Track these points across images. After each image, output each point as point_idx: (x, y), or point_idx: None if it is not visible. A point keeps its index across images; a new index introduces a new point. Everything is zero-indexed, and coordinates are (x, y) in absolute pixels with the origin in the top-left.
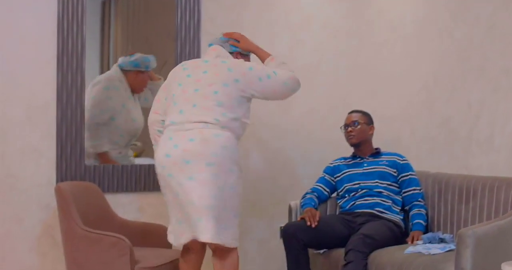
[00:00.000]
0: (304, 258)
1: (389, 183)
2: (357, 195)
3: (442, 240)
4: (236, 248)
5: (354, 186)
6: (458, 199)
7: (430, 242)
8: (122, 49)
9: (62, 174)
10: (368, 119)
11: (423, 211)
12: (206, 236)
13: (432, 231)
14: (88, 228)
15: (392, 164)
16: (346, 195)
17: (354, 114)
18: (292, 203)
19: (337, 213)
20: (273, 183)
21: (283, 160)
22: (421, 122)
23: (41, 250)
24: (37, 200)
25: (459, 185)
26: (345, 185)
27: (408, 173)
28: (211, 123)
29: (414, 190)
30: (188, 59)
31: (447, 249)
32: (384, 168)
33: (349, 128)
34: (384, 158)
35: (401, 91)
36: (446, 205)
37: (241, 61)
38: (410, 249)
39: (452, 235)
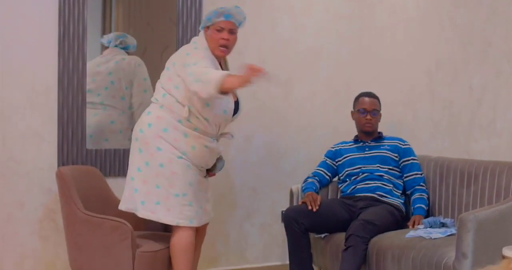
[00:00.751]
0: (305, 242)
1: (390, 167)
2: (358, 179)
3: (443, 224)
4: (183, 228)
5: (355, 170)
6: (460, 183)
7: (431, 226)
8: (123, 31)
9: (64, 158)
10: (380, 105)
11: (424, 196)
12: (121, 206)
13: (433, 215)
14: (90, 212)
15: (394, 149)
16: (347, 179)
17: (374, 101)
18: (294, 187)
19: (338, 197)
20: (275, 167)
21: (285, 144)
22: (423, 107)
23: (42, 234)
24: (38, 184)
25: (461, 169)
26: (346, 169)
27: (409, 158)
28: (152, 102)
29: (416, 174)
30: (187, 33)
31: (448, 234)
32: (386, 153)
33: (368, 116)
34: (386, 142)
35: (403, 76)
36: (447, 189)
37: (193, 45)
38: (411, 233)
39: (453, 219)
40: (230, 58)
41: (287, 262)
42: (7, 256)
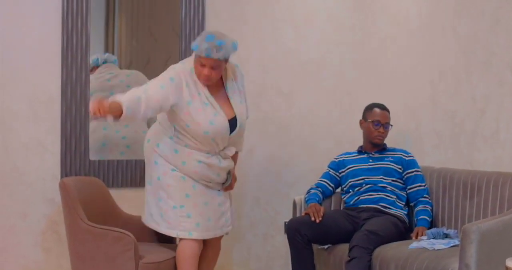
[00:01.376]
0: (308, 253)
1: (393, 179)
2: (361, 190)
3: (446, 236)
4: (184, 240)
5: (359, 181)
6: (463, 195)
7: (434, 238)
8: (126, 44)
9: (67, 169)
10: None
11: (428, 207)
12: (142, 218)
13: (436, 226)
14: (93, 223)
15: (398, 160)
16: (351, 190)
17: (387, 114)
18: (297, 198)
19: (341, 208)
20: (277, 178)
21: (288, 155)
22: (426, 117)
23: (45, 245)
24: (41, 195)
25: (464, 180)
26: (350, 180)
27: (413, 170)
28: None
29: (420, 186)
30: (190, 42)
31: (452, 245)
32: (389, 164)
33: (381, 129)
34: (389, 154)
35: (406, 86)
36: (450, 200)
37: (174, 66)
38: (414, 244)
39: (456, 231)
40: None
41: None
42: (9, 267)
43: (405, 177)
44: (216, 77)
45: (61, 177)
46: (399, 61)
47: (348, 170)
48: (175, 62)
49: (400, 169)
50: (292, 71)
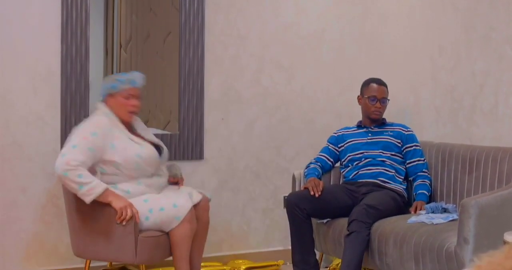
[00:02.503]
0: (307, 227)
1: (393, 153)
2: (360, 164)
3: (445, 210)
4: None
5: (358, 155)
6: (462, 169)
7: (433, 212)
8: (126, 18)
9: None
10: (388, 93)
11: (427, 182)
12: None
13: (435, 201)
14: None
15: (397, 135)
16: (350, 165)
17: (384, 89)
18: (296, 173)
19: (340, 183)
20: (277, 153)
21: (287, 130)
22: (425, 92)
23: (45, 219)
24: (41, 169)
25: (463, 155)
26: (349, 154)
27: (412, 144)
28: None
29: (418, 161)
30: (192, 30)
31: (450, 219)
32: (389, 139)
33: (378, 104)
34: (388, 129)
35: (405, 61)
36: (449, 175)
37: (91, 120)
38: (413, 218)
39: (455, 205)
40: (232, 43)
41: (289, 247)
42: (10, 240)
43: (404, 151)
44: (140, 108)
45: None
46: (399, 36)
47: (347, 144)
48: (175, 37)
49: (399, 143)
50: (292, 46)
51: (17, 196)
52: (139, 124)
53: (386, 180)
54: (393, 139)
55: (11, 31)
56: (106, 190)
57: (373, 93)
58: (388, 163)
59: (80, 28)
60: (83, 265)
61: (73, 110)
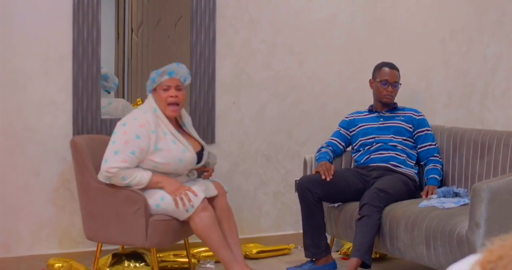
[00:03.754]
0: (318, 211)
1: (404, 138)
2: (371, 148)
3: (456, 194)
4: (192, 216)
5: (369, 140)
6: (473, 154)
7: (444, 196)
8: (137, 2)
9: (79, 127)
10: (400, 77)
11: (438, 166)
12: None
13: (446, 185)
14: (103, 181)
15: (408, 120)
16: (361, 149)
17: (396, 73)
18: (307, 157)
19: (351, 167)
20: (288, 137)
21: (299, 114)
22: (437, 77)
23: (58, 203)
24: (54, 153)
25: (474, 139)
26: (360, 138)
27: (424, 129)
28: None
29: (430, 145)
30: (204, 14)
31: (461, 203)
32: (400, 123)
33: (390, 88)
34: (400, 113)
35: (417, 45)
36: (461, 159)
37: (134, 114)
38: (424, 203)
39: (466, 189)
40: (243, 27)
41: (301, 231)
42: (23, 224)
43: (415, 136)
44: (182, 103)
45: (73, 135)
46: (410, 21)
47: (358, 129)
48: (186, 22)
49: (410, 128)
50: (304, 30)
51: (29, 180)
52: (186, 119)
53: (398, 164)
54: (405, 124)
55: (23, 15)
56: (151, 178)
57: (385, 77)
58: (399, 147)
59: (92, 12)
60: (95, 249)
61: (85, 94)
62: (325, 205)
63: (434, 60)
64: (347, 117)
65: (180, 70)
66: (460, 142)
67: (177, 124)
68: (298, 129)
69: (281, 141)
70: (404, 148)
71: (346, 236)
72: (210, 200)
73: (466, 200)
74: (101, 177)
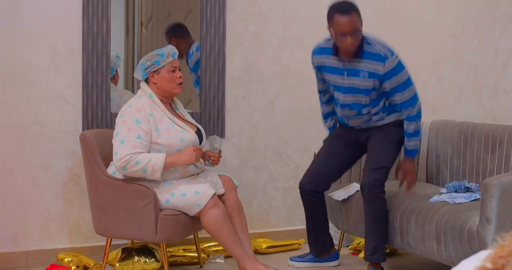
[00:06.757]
0: (321, 211)
1: (373, 98)
2: (345, 113)
3: (467, 189)
4: (202, 212)
5: (340, 102)
6: (484, 148)
7: (456, 191)
8: None
9: (88, 122)
10: (361, 19)
11: (410, 127)
12: None
13: (457, 180)
14: (113, 176)
15: (372, 75)
16: (336, 105)
17: (353, 18)
18: (317, 151)
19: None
20: (298, 131)
21: (308, 108)
22: (448, 71)
23: (67, 197)
24: (63, 147)
25: (486, 134)
26: (332, 93)
27: (389, 81)
28: None
29: (396, 99)
30: (214, 8)
31: (472, 198)
32: (363, 82)
33: (349, 39)
34: (364, 65)
35: (428, 39)
36: (472, 154)
37: (131, 102)
38: (435, 198)
39: (477, 184)
40: (253, 21)
41: None
42: (32, 218)
43: (383, 88)
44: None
45: (83, 129)
46: (421, 14)
47: (328, 81)
48: (196, 15)
49: (377, 81)
50: (314, 24)
51: (39, 174)
52: (178, 104)
53: (378, 123)
54: (369, 81)
55: (32, 9)
56: (166, 158)
57: (342, 29)
58: (370, 108)
59: (101, 6)
60: (104, 243)
61: (95, 89)
62: (332, 200)
63: (445, 54)
64: (315, 58)
65: (177, 52)
66: (471, 136)
67: (171, 108)
68: (308, 124)
69: (291, 135)
70: (376, 106)
71: (356, 231)
72: (220, 195)
73: (477, 195)
74: (117, 169)
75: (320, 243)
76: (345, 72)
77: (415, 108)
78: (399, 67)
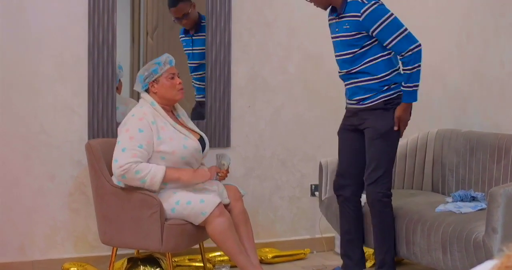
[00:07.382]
0: (355, 222)
1: (357, 51)
2: (342, 76)
3: (473, 199)
4: (208, 220)
5: (337, 62)
6: (490, 158)
7: (461, 200)
8: (152, 6)
9: (94, 131)
10: None
11: (407, 68)
12: None
13: (463, 189)
14: (118, 185)
15: (353, 25)
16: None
17: None
18: (323, 161)
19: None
20: (304, 140)
21: (314, 117)
22: (453, 80)
23: (73, 207)
24: (69, 157)
25: (491, 143)
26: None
27: (374, 27)
28: None
29: (393, 41)
30: (219, 17)
31: (479, 208)
32: (347, 35)
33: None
34: (346, 18)
35: (433, 48)
36: (477, 163)
37: (133, 111)
38: (441, 207)
39: (483, 194)
40: (259, 31)
41: (316, 235)
42: (38, 228)
43: (376, 39)
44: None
45: (88, 138)
46: (426, 22)
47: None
48: (201, 11)
49: (361, 33)
50: (319, 33)
51: (44, 183)
52: (181, 111)
53: (365, 97)
54: (352, 34)
55: (38, 19)
56: (166, 171)
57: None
58: (357, 70)
59: (107, 15)
60: (110, 253)
61: (100, 98)
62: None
63: (450, 62)
64: (328, 22)
65: (173, 59)
66: (476, 145)
67: (173, 116)
68: (313, 133)
69: (296, 144)
70: (362, 66)
71: (365, 242)
72: (226, 204)
73: (483, 205)
74: (115, 176)
75: (348, 256)
76: (336, 29)
77: (413, 49)
78: (381, 11)
